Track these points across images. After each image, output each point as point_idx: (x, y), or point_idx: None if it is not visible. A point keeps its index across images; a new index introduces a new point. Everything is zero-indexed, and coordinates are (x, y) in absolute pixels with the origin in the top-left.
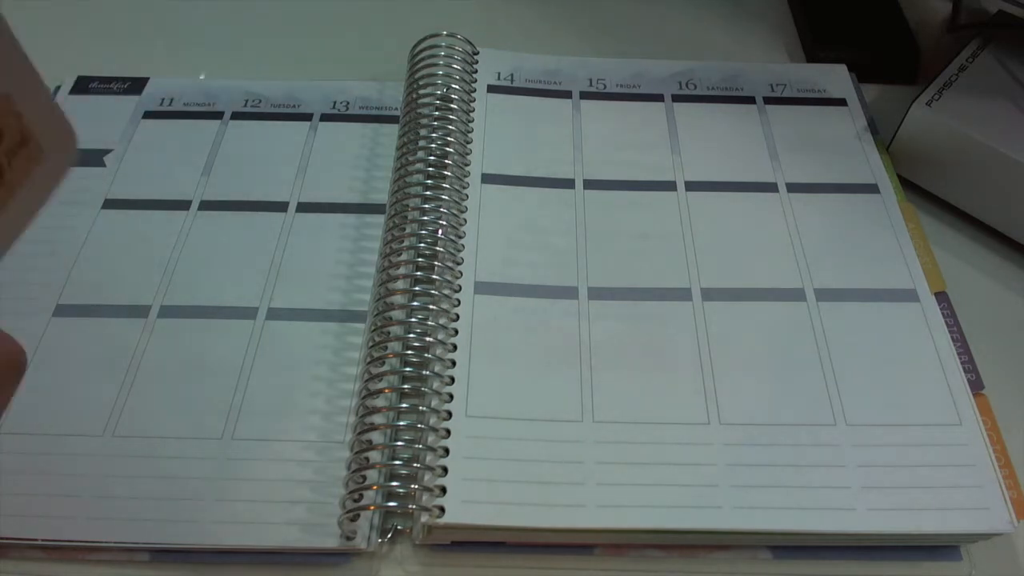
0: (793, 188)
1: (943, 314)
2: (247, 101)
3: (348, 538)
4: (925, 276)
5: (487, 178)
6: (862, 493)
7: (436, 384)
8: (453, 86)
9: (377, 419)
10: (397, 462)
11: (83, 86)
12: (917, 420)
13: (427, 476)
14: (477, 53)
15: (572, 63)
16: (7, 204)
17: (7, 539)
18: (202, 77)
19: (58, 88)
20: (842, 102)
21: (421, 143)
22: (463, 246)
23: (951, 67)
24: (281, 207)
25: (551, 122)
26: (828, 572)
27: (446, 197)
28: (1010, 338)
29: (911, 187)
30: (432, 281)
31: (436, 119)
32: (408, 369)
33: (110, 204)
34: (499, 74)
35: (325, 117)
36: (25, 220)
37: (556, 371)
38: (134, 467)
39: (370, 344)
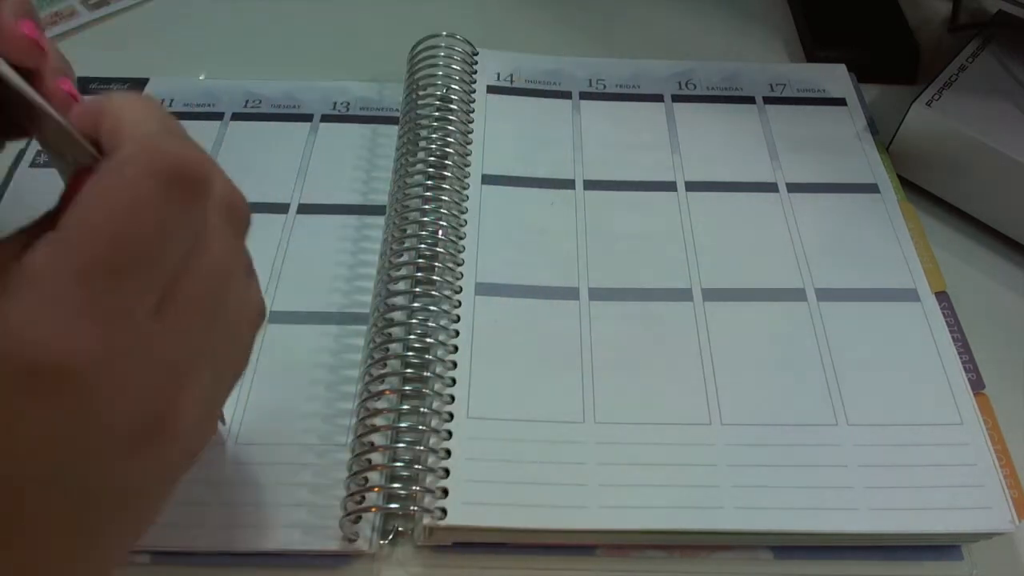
0: (793, 188)
1: (943, 314)
2: (247, 102)
3: (350, 540)
4: (925, 276)
5: (487, 179)
6: (863, 493)
7: (437, 385)
8: (453, 87)
9: (378, 421)
10: (398, 464)
11: (83, 86)
12: (918, 420)
13: (428, 478)
14: (477, 54)
15: (572, 63)
16: None
17: None
18: (202, 77)
19: None
20: (842, 102)
21: (421, 144)
22: (464, 247)
23: (951, 67)
24: (282, 208)
25: (551, 122)
26: (829, 572)
27: (446, 198)
28: (1010, 338)
29: (911, 187)
30: (433, 282)
31: (436, 120)
32: (409, 371)
33: None
34: (499, 74)
35: (325, 118)
36: None
37: (557, 372)
38: None
39: (371, 345)
